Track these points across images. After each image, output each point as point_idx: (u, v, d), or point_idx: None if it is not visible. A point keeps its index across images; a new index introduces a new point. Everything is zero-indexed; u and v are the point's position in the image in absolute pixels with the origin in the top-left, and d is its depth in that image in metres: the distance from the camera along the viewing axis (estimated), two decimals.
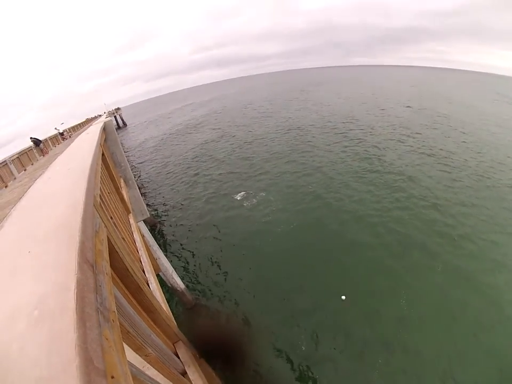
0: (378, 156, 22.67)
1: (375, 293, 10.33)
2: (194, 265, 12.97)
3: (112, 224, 3.52)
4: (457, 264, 11.34)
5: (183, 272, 12.62)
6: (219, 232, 14.95)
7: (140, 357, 2.31)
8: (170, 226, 16.29)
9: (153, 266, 4.69)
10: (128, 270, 2.35)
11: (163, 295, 3.70)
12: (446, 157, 21.95)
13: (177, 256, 13.67)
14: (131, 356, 2.10)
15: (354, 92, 66.63)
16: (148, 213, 6.88)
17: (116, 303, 1.69)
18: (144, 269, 3.87)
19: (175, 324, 3.56)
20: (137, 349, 2.19)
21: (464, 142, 25.89)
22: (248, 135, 33.66)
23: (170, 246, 14.52)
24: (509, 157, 21.81)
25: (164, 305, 3.54)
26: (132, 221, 4.91)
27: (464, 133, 28.83)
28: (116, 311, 1.33)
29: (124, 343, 1.95)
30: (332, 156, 23.48)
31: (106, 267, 1.57)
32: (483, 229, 13.39)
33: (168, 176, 24.60)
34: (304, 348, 8.76)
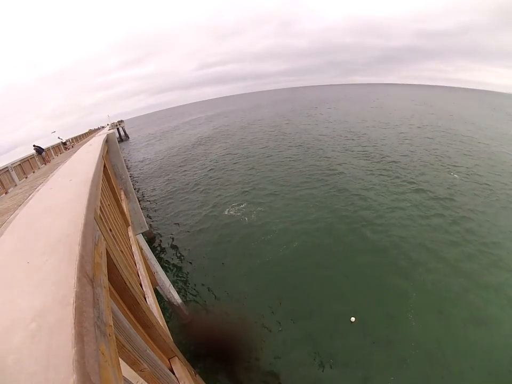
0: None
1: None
2: (192, 279, 12.85)
3: (111, 236, 3.52)
4: None
5: (181, 286, 12.50)
6: (218, 247, 14.88)
7: (134, 372, 2.27)
8: (169, 239, 16.22)
9: (150, 280, 4.65)
10: (125, 283, 2.34)
11: (160, 309, 3.65)
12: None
13: (175, 270, 13.57)
14: (126, 370, 2.07)
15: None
16: (147, 226, 6.86)
17: (112, 317, 1.68)
18: (142, 283, 3.84)
19: (171, 339, 3.51)
20: (132, 364, 2.16)
21: None
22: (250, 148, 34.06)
23: (168, 259, 14.43)
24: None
25: (161, 320, 3.50)
26: (130, 233, 4.89)
27: None
28: (112, 325, 1.32)
29: (120, 357, 1.94)
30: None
31: (104, 280, 1.57)
32: None
33: (169, 190, 24.70)
34: (305, 368, 8.58)
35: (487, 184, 20.08)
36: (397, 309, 10.28)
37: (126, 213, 5.38)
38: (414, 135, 36.12)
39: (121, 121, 77.50)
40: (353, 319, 9.96)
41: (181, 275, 13.20)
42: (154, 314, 3.45)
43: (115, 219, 4.12)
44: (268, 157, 30.17)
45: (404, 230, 14.66)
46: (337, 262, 12.84)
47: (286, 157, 29.16)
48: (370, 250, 13.36)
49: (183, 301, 10.96)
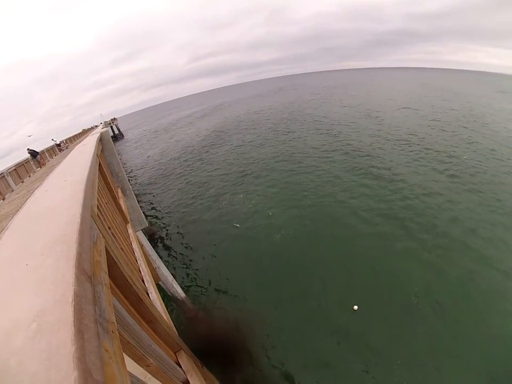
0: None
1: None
2: (195, 273, 12.89)
3: (110, 234, 3.51)
4: None
5: (184, 280, 12.54)
6: (220, 239, 14.94)
7: (141, 368, 2.29)
8: (170, 235, 16.24)
9: (152, 276, 4.67)
10: (127, 280, 2.34)
11: (163, 304, 3.67)
12: None
13: (177, 265, 13.60)
14: (132, 366, 2.09)
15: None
16: (146, 222, 6.85)
17: (115, 314, 1.69)
18: (144, 279, 3.85)
19: (176, 333, 3.53)
20: (138, 360, 2.18)
21: None
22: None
23: (169, 254, 14.46)
24: None
25: (165, 315, 3.52)
26: (130, 230, 4.88)
27: None
28: (115, 322, 1.32)
29: (124, 354, 1.95)
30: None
31: (105, 278, 1.57)
32: None
33: (168, 186, 24.57)
34: (310, 356, 8.68)
35: None
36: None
37: (124, 210, 5.36)
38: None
39: (115, 119, 76.45)
40: (356, 307, 10.02)
41: (183, 269, 13.24)
42: (158, 309, 3.47)
43: (113, 217, 4.11)
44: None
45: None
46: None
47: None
48: None
49: (187, 295, 11.02)
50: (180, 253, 14.42)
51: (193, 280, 12.55)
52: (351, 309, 9.90)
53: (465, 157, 22.00)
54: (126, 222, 5.16)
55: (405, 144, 25.96)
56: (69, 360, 0.61)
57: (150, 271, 4.43)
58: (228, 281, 12.10)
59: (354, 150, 25.33)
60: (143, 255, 4.21)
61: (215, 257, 13.69)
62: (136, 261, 4.07)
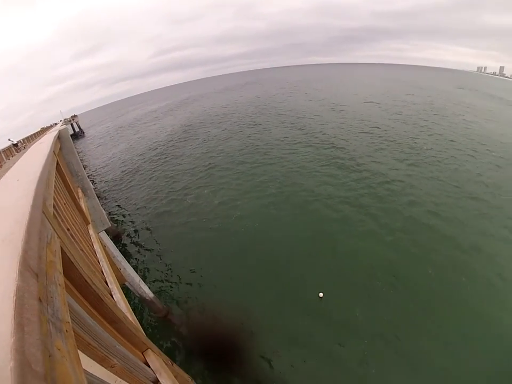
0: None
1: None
2: (163, 271, 12.70)
3: (69, 235, 3.38)
4: None
5: (152, 279, 12.30)
6: (187, 234, 14.82)
7: (105, 369, 2.24)
8: (136, 234, 15.79)
9: (117, 277, 4.54)
10: (86, 281, 2.28)
11: (128, 305, 3.60)
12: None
13: (145, 264, 13.30)
14: (96, 368, 2.04)
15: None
16: (109, 223, 6.61)
17: (73, 314, 1.65)
18: (107, 280, 3.75)
19: (143, 332, 3.48)
20: (101, 361, 2.13)
21: None
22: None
23: (137, 254, 14.08)
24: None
25: (130, 315, 3.45)
26: (91, 231, 4.71)
27: None
28: (70, 321, 1.30)
29: (86, 355, 1.91)
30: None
31: (59, 278, 1.52)
32: None
33: (133, 184, 23.80)
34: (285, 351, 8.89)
35: None
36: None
37: (84, 211, 5.15)
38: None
39: (75, 116, 72.52)
40: (321, 294, 10.34)
41: (151, 268, 12.98)
42: (123, 310, 3.40)
43: (73, 218, 3.95)
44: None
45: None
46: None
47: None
48: None
49: (156, 295, 10.83)
50: (148, 252, 14.12)
51: (162, 278, 12.38)
52: (317, 296, 10.28)
53: (425, 148, 23.48)
54: (87, 222, 4.96)
55: (368, 136, 27.29)
56: (7, 351, 0.60)
57: (113, 272, 4.31)
58: (197, 275, 12.12)
59: (318, 142, 26.23)
60: (105, 256, 4.09)
61: (183, 252, 13.63)
62: (99, 262, 3.95)
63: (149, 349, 3.38)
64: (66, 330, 1.18)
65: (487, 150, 22.95)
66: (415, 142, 25.00)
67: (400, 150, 23.04)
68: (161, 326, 10.33)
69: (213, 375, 8.40)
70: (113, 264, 4.70)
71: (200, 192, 19.04)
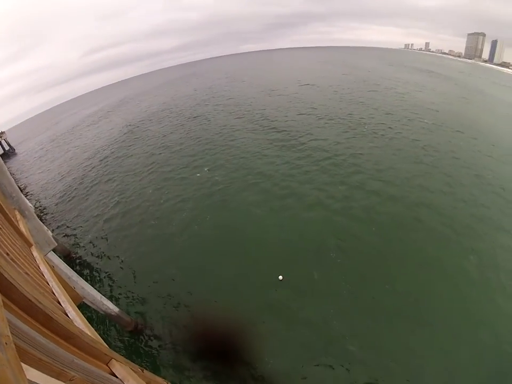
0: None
1: None
2: (123, 282, 12.28)
3: (9, 259, 3.26)
4: None
5: (116, 294, 11.86)
6: (140, 239, 14.52)
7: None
8: (89, 249, 14.88)
9: (72, 296, 4.43)
10: (31, 301, 2.29)
11: (86, 321, 3.58)
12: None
13: (104, 279, 12.72)
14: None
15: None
16: (55, 242, 6.30)
17: (16, 330, 1.69)
18: (59, 300, 3.68)
19: (105, 345, 3.49)
20: (58, 375, 2.16)
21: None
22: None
23: (94, 270, 13.38)
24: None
25: (88, 330, 3.44)
26: (35, 253, 4.50)
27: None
28: (10, 335, 1.37)
29: (39, 371, 1.94)
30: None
31: None
32: None
33: (76, 196, 22.15)
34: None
35: None
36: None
37: (25, 233, 4.90)
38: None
39: (2, 132, 65.67)
40: (280, 277, 10.77)
41: (112, 282, 12.48)
42: (79, 326, 3.38)
43: (12, 242, 3.77)
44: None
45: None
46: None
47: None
48: None
49: (122, 309, 10.52)
50: (106, 265, 13.54)
51: (125, 289, 12.00)
52: (277, 278, 10.81)
53: (364, 122, 25.43)
54: (29, 245, 4.73)
55: (308, 117, 28.59)
56: None
57: (66, 291, 4.21)
58: (159, 278, 12.05)
59: (260, 127, 27.08)
60: (53, 277, 3.97)
61: (140, 257, 13.41)
62: (48, 283, 3.84)
63: (112, 359, 3.40)
64: (6, 343, 1.25)
65: (420, 118, 25.52)
66: (352, 117, 27.29)
67: (339, 127, 24.74)
68: (131, 339, 10.10)
69: (187, 376, 8.54)
70: (65, 284, 4.57)
71: (145, 193, 18.63)
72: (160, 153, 25.25)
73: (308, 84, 47.27)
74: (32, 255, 4.47)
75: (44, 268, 4.08)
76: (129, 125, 40.15)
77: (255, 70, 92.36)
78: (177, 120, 36.52)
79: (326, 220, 13.16)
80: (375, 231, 12.29)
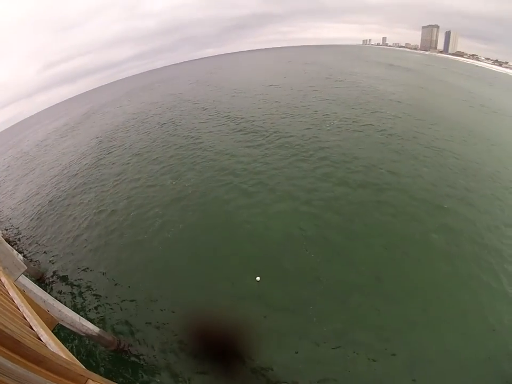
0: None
1: None
2: (105, 302, 11.96)
3: None
4: None
5: (95, 313, 11.52)
6: (114, 254, 14.25)
7: None
8: (64, 270, 14.30)
9: (45, 319, 4.33)
10: None
11: (59, 343, 3.53)
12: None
13: (81, 300, 12.33)
14: None
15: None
16: (25, 266, 6.09)
17: None
18: (31, 324, 3.61)
19: (80, 365, 3.45)
20: None
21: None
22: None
23: (70, 291, 12.93)
24: None
25: (63, 352, 3.40)
26: (4, 279, 4.37)
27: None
28: None
29: None
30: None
31: None
32: None
33: (45, 217, 21.20)
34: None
35: None
36: None
37: None
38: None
39: None
40: (258, 278, 10.92)
41: (89, 301, 12.12)
42: (52, 349, 3.33)
43: None
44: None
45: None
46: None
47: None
48: None
49: (103, 328, 10.25)
50: (81, 285, 13.15)
51: (104, 307, 11.71)
52: (254, 279, 11.04)
53: (333, 118, 26.59)
54: None
55: (285, 117, 29.12)
56: None
57: (40, 315, 4.11)
58: (137, 292, 11.89)
59: (232, 130, 27.60)
60: (24, 301, 3.88)
61: (118, 274, 13.13)
62: (18, 308, 3.74)
63: (89, 380, 3.37)
64: None
65: (382, 111, 26.85)
66: (317, 112, 28.54)
67: (311, 122, 25.90)
68: (114, 357, 9.88)
69: None
70: (38, 308, 4.47)
71: (115, 206, 18.24)
72: (127, 164, 24.92)
73: (272, 85, 48.03)
74: (0, 280, 4.35)
75: (13, 293, 3.97)
76: (97, 137, 39.05)
77: (214, 74, 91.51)
78: (145, 127, 36.09)
79: (294, 212, 13.91)
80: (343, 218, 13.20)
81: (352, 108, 28.64)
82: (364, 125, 23.57)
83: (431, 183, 15.13)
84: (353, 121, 24.54)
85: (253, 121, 28.03)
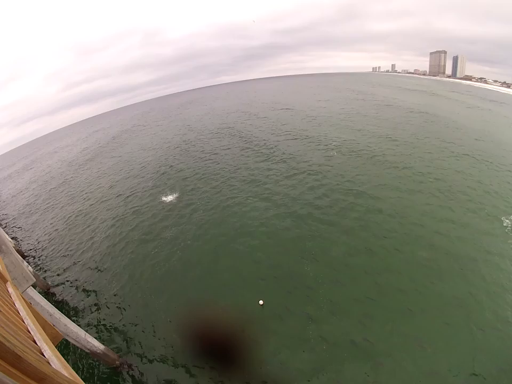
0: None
1: None
2: (111, 320, 11.84)
3: None
4: None
5: (100, 331, 11.37)
6: (128, 277, 14.21)
7: None
8: (73, 285, 14.41)
9: (50, 334, 4.20)
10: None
11: (63, 360, 3.40)
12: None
13: (89, 316, 12.24)
14: None
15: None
16: (34, 278, 6.02)
17: None
18: (35, 338, 3.49)
19: (82, 382, 3.31)
20: None
21: None
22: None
23: (77, 307, 12.87)
24: None
25: (65, 370, 3.26)
26: (11, 290, 4.31)
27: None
28: None
29: None
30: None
31: None
32: None
33: (60, 232, 21.66)
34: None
35: None
36: None
37: (0, 269, 4.72)
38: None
39: None
40: (261, 302, 10.59)
41: (96, 319, 12.00)
42: (55, 366, 3.20)
43: None
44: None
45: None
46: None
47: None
48: None
49: (107, 345, 10.06)
50: (89, 300, 13.14)
51: (111, 327, 11.55)
52: (258, 303, 11.02)
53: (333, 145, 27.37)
54: (5, 281, 4.53)
55: (295, 141, 30.52)
56: None
57: (45, 329, 3.99)
58: (144, 316, 11.81)
59: (251, 147, 29.48)
60: (30, 314, 3.78)
61: (127, 291, 13.21)
62: (23, 321, 3.64)
63: None
64: None
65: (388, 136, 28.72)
66: (326, 136, 30.51)
67: (310, 140, 29.34)
68: (117, 375, 9.69)
69: None
70: (44, 322, 4.36)
71: (127, 235, 18.18)
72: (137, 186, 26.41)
73: (288, 109, 50.21)
74: (8, 291, 4.27)
75: (19, 305, 3.88)
76: (127, 160, 38.67)
77: (231, 99, 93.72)
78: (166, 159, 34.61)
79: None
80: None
81: (360, 130, 31.28)
82: (372, 136, 26.26)
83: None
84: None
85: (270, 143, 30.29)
